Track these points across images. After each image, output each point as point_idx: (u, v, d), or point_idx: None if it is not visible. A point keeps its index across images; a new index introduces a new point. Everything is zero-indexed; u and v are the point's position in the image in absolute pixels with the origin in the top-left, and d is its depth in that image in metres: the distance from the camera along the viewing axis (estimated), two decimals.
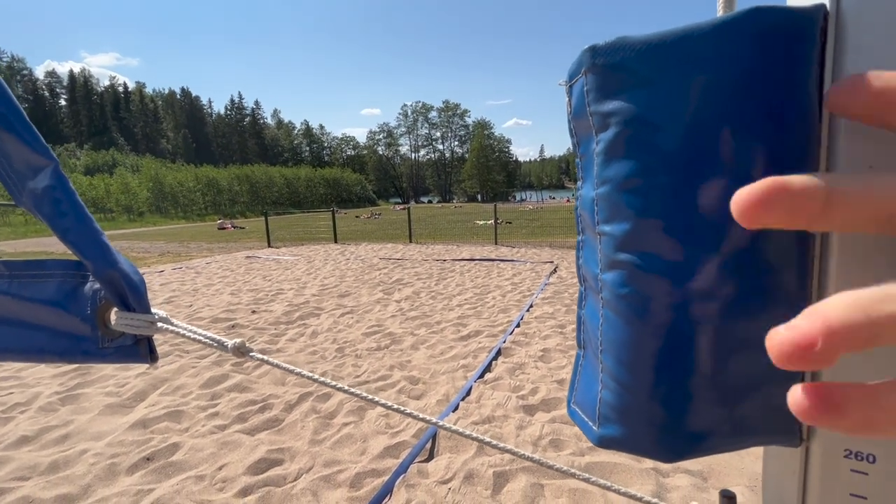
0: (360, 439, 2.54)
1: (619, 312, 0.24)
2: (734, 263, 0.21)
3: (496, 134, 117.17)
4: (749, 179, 0.19)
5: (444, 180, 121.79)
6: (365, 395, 0.43)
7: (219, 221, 32.75)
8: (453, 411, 2.79)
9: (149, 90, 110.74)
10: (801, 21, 0.19)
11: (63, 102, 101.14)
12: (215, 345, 0.41)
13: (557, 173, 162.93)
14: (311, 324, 4.89)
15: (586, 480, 0.36)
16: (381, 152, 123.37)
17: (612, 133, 0.22)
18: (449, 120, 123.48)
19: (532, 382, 3.19)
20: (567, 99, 0.25)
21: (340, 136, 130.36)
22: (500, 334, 4.33)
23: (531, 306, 5.36)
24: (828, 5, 0.20)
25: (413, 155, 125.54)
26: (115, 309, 0.42)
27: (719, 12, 0.30)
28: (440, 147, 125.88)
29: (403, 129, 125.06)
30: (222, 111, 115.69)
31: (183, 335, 0.41)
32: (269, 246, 14.11)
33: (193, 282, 7.77)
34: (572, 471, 0.37)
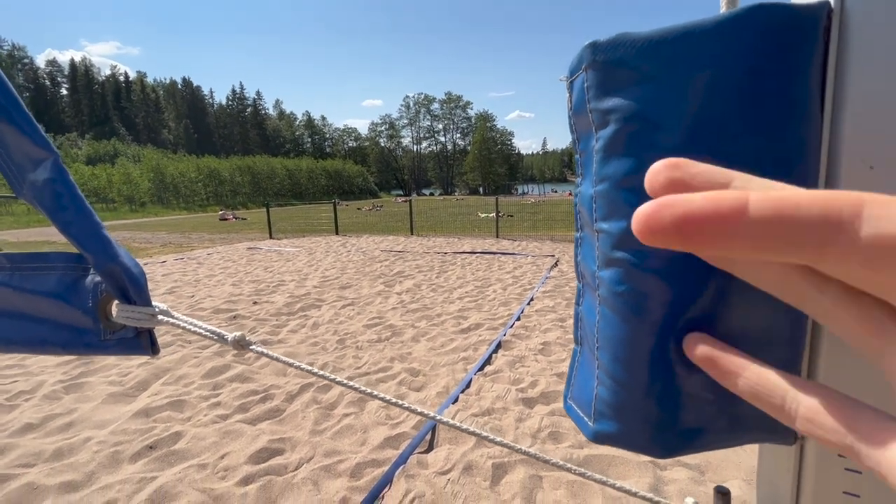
0: (361, 430, 2.56)
1: (615, 310, 0.24)
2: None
3: (498, 126, 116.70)
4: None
5: (446, 173, 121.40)
6: (362, 388, 0.43)
7: (220, 212, 32.74)
8: (453, 403, 2.81)
9: (150, 80, 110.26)
10: (805, 18, 0.19)
11: (64, 92, 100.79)
12: (215, 338, 0.42)
13: (560, 166, 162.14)
14: (312, 315, 4.91)
15: (582, 475, 0.36)
16: (382, 144, 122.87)
17: (612, 130, 0.22)
18: (451, 112, 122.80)
19: (532, 375, 3.20)
20: (568, 95, 0.25)
21: (342, 127, 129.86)
22: (501, 327, 4.34)
23: (532, 300, 5.37)
24: (832, 3, 0.20)
25: (415, 147, 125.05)
26: (116, 302, 0.42)
27: (722, 9, 0.29)
28: (442, 139, 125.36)
29: (405, 121, 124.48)
30: (224, 101, 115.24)
31: (184, 328, 0.42)
32: (271, 237, 14.12)
33: (195, 272, 7.80)
34: (568, 465, 0.38)
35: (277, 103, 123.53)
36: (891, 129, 0.20)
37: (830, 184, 0.22)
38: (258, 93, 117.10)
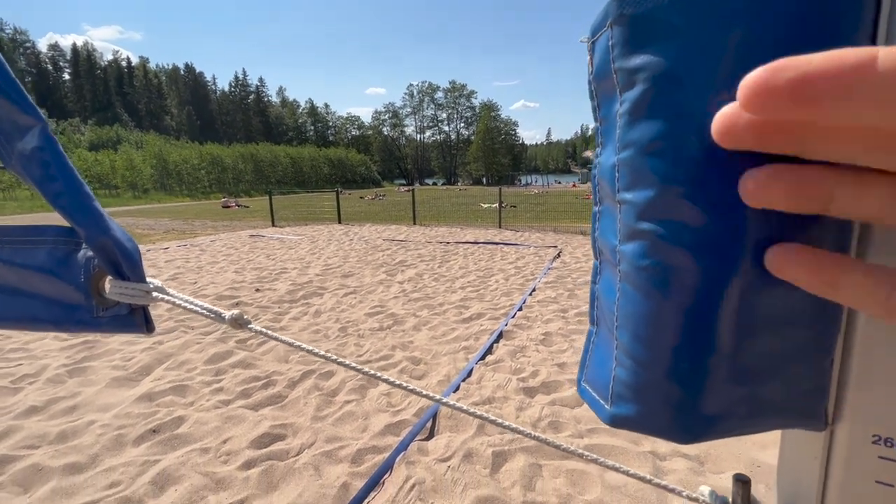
0: (362, 417, 2.58)
1: (637, 286, 0.22)
2: (764, 235, 0.20)
3: (503, 116, 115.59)
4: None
5: (450, 162, 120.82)
6: (356, 366, 0.42)
7: (223, 200, 32.75)
8: (454, 392, 2.82)
9: (152, 65, 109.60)
10: None
11: (67, 77, 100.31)
12: (212, 316, 0.41)
13: (564, 157, 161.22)
14: (314, 303, 4.92)
15: (595, 461, 0.35)
16: (386, 133, 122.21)
17: (639, 91, 0.21)
18: (455, 101, 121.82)
19: (533, 365, 3.21)
20: (589, 57, 0.24)
21: (345, 115, 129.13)
22: (503, 317, 4.34)
23: (534, 290, 5.37)
24: None
25: (418, 136, 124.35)
26: (109, 277, 0.41)
27: None
28: (446, 128, 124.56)
29: (409, 110, 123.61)
30: (226, 88, 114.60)
31: (179, 305, 0.41)
32: (274, 225, 14.13)
33: (198, 259, 7.82)
34: (579, 451, 0.37)
35: (280, 90, 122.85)
36: None
37: None
38: (261, 79, 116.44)
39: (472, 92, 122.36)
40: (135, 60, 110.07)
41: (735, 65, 0.18)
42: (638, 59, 0.20)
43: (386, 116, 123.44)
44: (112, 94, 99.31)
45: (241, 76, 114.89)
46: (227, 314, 0.40)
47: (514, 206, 19.87)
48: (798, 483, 0.27)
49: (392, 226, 13.68)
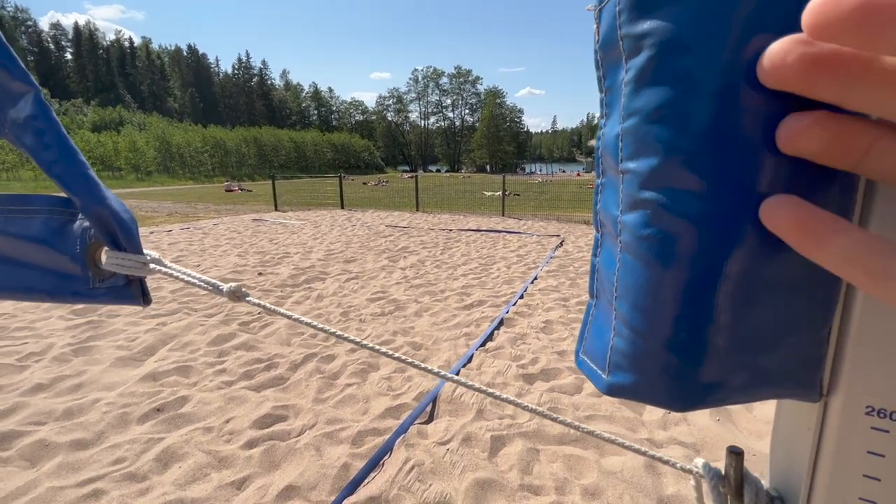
0: (363, 400, 2.61)
1: (638, 255, 0.22)
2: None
3: (508, 103, 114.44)
4: (798, 111, 0.18)
5: (454, 149, 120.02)
6: (360, 341, 0.43)
7: (226, 183, 32.71)
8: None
9: (155, 46, 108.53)
10: None
11: (69, 56, 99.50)
12: (210, 288, 0.41)
13: (569, 146, 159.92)
14: (316, 288, 4.94)
15: (592, 434, 0.35)
16: (390, 118, 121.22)
17: (645, 57, 0.20)
18: (460, 87, 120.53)
19: (533, 352, 3.23)
20: (595, 26, 0.23)
21: (349, 100, 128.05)
22: (504, 305, 4.36)
23: (535, 278, 5.37)
24: None
25: (423, 122, 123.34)
26: (105, 248, 0.41)
27: None
28: (450, 115, 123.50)
29: (413, 95, 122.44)
30: (229, 71, 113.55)
31: (176, 277, 0.41)
32: (276, 209, 14.12)
33: (201, 242, 7.84)
34: (577, 424, 0.37)
35: (284, 74, 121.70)
36: None
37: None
38: (264, 62, 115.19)
39: (478, 78, 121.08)
40: (137, 41, 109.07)
41: (745, 31, 0.18)
42: (645, 25, 0.20)
43: (390, 102, 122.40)
44: (115, 74, 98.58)
45: (244, 58, 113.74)
46: (225, 286, 0.41)
47: (518, 195, 19.79)
48: (791, 454, 0.28)
49: (395, 212, 13.66)
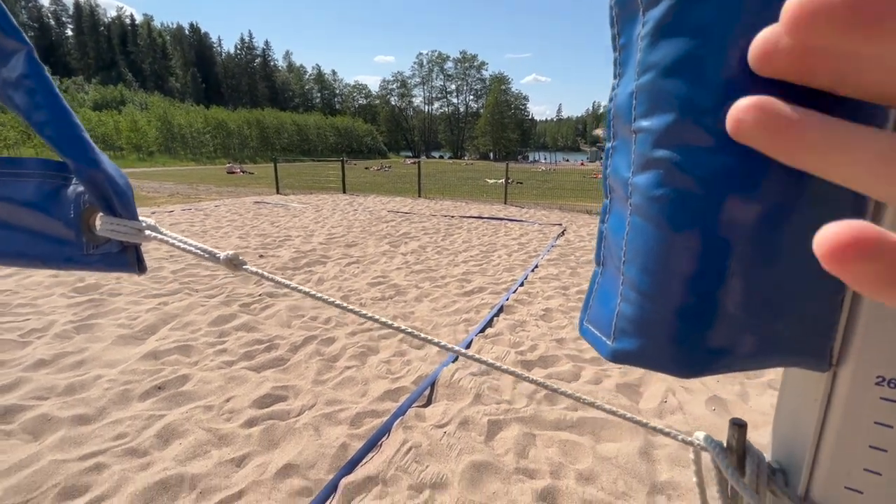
0: (362, 382, 2.63)
1: (649, 217, 0.22)
2: (785, 168, 0.19)
3: (513, 90, 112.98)
4: None
5: (457, 136, 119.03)
6: (370, 315, 0.42)
7: (228, 165, 32.58)
8: (453, 362, 2.86)
9: (157, 24, 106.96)
10: None
11: (70, 33, 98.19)
12: (207, 255, 0.40)
13: (573, 135, 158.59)
14: (317, 271, 4.95)
15: (606, 410, 0.35)
16: (393, 103, 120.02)
17: (664, 8, 0.19)
18: (465, 72, 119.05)
19: (532, 340, 3.24)
20: None
21: (353, 83, 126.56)
22: (504, 292, 4.37)
23: (536, 266, 5.37)
24: None
25: (426, 108, 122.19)
26: (100, 214, 0.40)
27: None
28: (454, 101, 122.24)
29: (418, 80, 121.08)
30: (232, 51, 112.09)
31: (173, 244, 0.40)
32: (278, 192, 14.08)
33: (202, 224, 7.84)
34: (594, 401, 0.37)
35: (287, 55, 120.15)
36: None
37: None
38: (267, 43, 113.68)
39: (483, 63, 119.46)
40: (139, 18, 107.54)
41: None
42: None
43: (394, 86, 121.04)
44: (116, 52, 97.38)
45: (247, 39, 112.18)
46: (222, 254, 0.40)
47: (521, 183, 19.69)
48: (795, 425, 0.27)
49: (397, 197, 13.61)
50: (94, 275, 4.31)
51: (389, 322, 0.41)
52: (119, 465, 1.88)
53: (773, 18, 0.17)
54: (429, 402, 2.44)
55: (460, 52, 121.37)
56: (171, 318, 3.41)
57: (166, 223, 7.73)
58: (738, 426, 0.28)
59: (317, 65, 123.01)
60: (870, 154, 0.13)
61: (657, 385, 2.69)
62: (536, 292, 4.37)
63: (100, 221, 0.39)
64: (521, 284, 4.61)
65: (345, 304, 0.40)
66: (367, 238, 6.88)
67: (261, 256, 5.45)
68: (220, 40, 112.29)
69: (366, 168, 34.06)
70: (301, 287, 0.40)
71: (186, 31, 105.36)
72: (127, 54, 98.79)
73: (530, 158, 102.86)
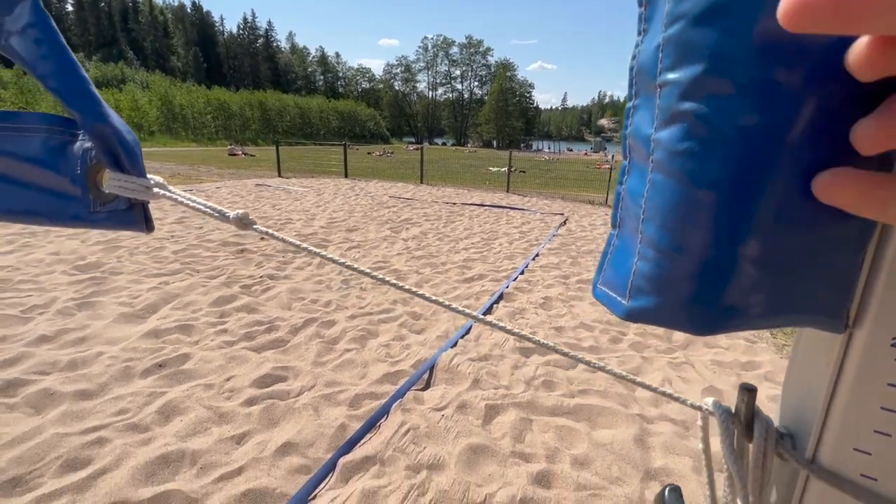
0: (361, 365, 2.65)
1: (671, 173, 0.21)
2: (814, 116, 0.18)
3: (518, 77, 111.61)
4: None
5: (461, 122, 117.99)
6: (391, 281, 0.42)
7: (229, 147, 32.35)
8: (451, 347, 2.88)
9: (158, 1, 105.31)
10: None
11: (70, 8, 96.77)
12: (216, 215, 0.40)
13: (578, 125, 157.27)
14: None
15: (602, 369, 0.35)
16: (397, 88, 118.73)
17: None
18: (470, 58, 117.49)
19: (531, 327, 3.26)
20: None
21: (356, 66, 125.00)
22: (504, 279, 4.37)
23: (537, 255, 5.37)
24: None
25: (430, 93, 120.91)
26: (107, 171, 0.39)
27: None
28: (459, 87, 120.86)
29: (422, 64, 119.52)
30: (234, 31, 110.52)
31: (182, 202, 0.40)
32: (280, 176, 14.02)
33: None
34: (603, 364, 0.37)
35: (290, 36, 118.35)
36: None
37: None
38: (270, 23, 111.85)
39: (489, 49, 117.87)
40: None
41: None
42: None
43: (398, 70, 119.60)
44: (117, 29, 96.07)
45: (249, 18, 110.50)
46: (231, 213, 0.40)
47: (524, 171, 19.59)
48: (806, 388, 0.27)
49: (399, 183, 13.55)
50: (96, 253, 4.31)
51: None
52: (121, 440, 1.90)
53: None
54: (427, 386, 2.47)
55: (466, 37, 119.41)
56: (172, 297, 3.43)
57: (168, 204, 7.71)
58: (748, 391, 0.28)
59: (320, 47, 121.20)
60: None
61: (654, 374, 2.71)
62: (536, 281, 4.37)
63: (107, 178, 0.39)
64: (522, 272, 4.61)
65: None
66: (369, 223, 6.87)
67: (262, 239, 5.45)
68: (222, 19, 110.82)
69: (368, 153, 33.85)
70: (311, 248, 0.40)
71: (188, 10, 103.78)
72: (128, 32, 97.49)
73: (534, 147, 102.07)
